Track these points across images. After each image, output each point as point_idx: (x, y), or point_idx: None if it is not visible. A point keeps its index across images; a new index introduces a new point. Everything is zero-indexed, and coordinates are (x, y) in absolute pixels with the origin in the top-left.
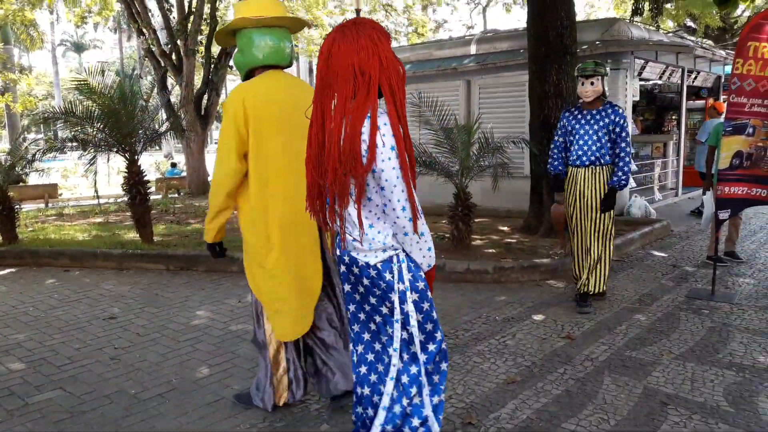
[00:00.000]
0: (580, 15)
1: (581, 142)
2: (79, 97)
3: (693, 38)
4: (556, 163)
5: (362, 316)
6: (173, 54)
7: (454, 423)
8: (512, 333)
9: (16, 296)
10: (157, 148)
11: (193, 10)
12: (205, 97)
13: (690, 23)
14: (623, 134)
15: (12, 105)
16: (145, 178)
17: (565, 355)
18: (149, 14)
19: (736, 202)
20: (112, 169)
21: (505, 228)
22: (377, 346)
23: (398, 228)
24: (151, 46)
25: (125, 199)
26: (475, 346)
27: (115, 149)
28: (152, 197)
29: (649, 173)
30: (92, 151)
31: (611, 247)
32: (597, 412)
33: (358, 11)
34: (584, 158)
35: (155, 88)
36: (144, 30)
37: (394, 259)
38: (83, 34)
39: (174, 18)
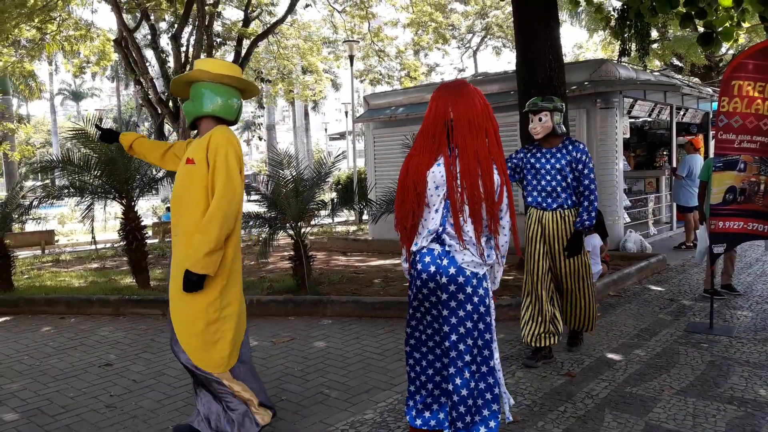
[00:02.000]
0: (569, 56)
1: (543, 182)
2: (77, 144)
3: (680, 76)
4: None
5: (453, 336)
6: (170, 101)
7: None
8: (511, 371)
9: (11, 345)
10: (154, 192)
11: (189, 58)
12: None
13: (676, 62)
14: (585, 171)
15: (10, 153)
16: (142, 223)
17: (566, 393)
18: (146, 63)
19: (733, 236)
20: (109, 215)
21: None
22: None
23: (498, 248)
24: (148, 94)
25: (122, 244)
26: None
27: (112, 196)
28: (149, 242)
29: (643, 208)
30: (89, 198)
31: (592, 284)
32: None
33: (351, 57)
34: (549, 200)
35: (152, 135)
36: (141, 79)
37: (488, 275)
38: (81, 83)
39: (170, 66)
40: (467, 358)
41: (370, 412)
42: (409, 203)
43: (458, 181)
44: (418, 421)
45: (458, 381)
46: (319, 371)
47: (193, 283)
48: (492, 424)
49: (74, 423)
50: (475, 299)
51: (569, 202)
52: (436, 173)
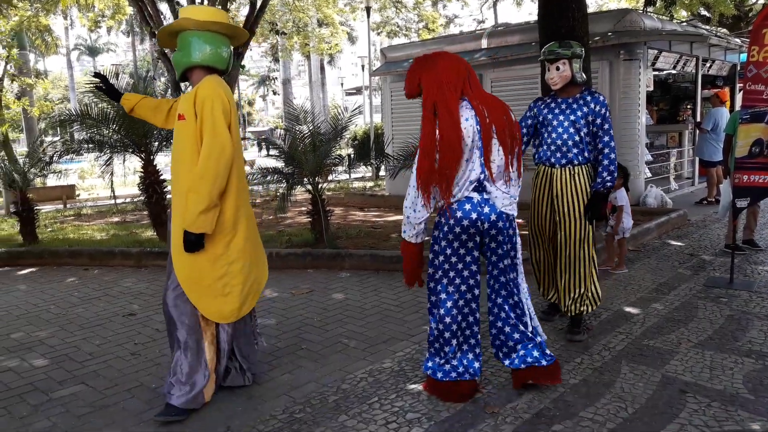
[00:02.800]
0: (592, 7)
1: (554, 135)
2: (95, 99)
3: (707, 27)
4: None
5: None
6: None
7: (473, 412)
8: None
9: (38, 295)
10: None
11: None
12: None
13: (704, 12)
14: (605, 126)
15: (29, 109)
16: (161, 177)
17: (582, 345)
18: (161, 17)
19: (757, 190)
20: (128, 170)
21: (520, 220)
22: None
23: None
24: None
25: (142, 198)
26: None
27: (131, 150)
28: (168, 196)
29: (664, 163)
30: (108, 152)
31: (594, 256)
32: (615, 401)
33: (368, 9)
34: (558, 155)
35: (169, 89)
36: (156, 32)
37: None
38: (97, 38)
39: None
40: (503, 292)
41: (388, 361)
42: (450, 157)
43: (493, 127)
44: (472, 369)
45: (512, 315)
46: (338, 322)
47: (192, 242)
48: (536, 353)
49: (101, 369)
50: (514, 239)
51: (580, 158)
52: (467, 126)
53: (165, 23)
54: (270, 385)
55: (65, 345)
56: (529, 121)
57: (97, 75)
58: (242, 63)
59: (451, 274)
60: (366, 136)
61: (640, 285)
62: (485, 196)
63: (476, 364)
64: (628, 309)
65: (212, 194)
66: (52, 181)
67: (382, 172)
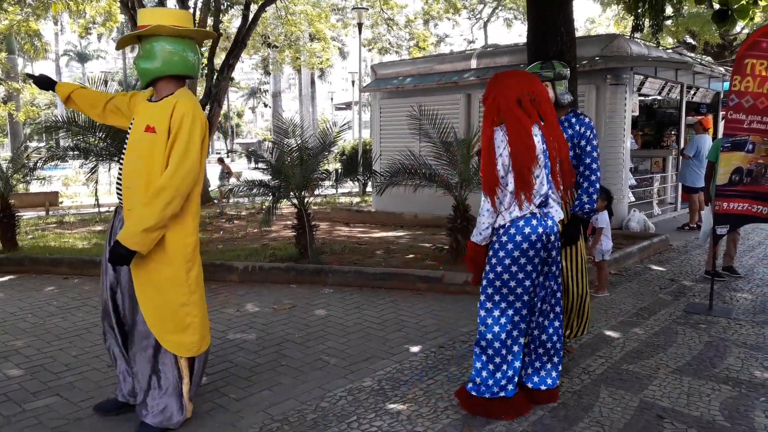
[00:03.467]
0: (581, 31)
1: None
2: None
3: (692, 55)
4: None
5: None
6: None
7: None
8: None
9: (15, 303)
10: None
11: (197, 21)
12: (207, 107)
13: (690, 40)
14: (588, 148)
15: (15, 114)
16: None
17: (563, 368)
18: None
19: (736, 218)
20: (113, 178)
21: None
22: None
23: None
24: None
25: None
26: (472, 357)
27: (116, 158)
28: None
29: (648, 188)
30: (94, 160)
31: (587, 280)
32: (593, 425)
33: (360, 25)
34: None
35: None
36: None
37: None
38: (87, 44)
39: None
40: (558, 308)
41: (368, 380)
42: (528, 172)
43: (551, 148)
44: (536, 380)
45: (551, 329)
46: (319, 338)
47: (121, 256)
48: (554, 374)
49: (77, 381)
50: (559, 256)
51: None
52: (536, 142)
53: None
54: (248, 401)
55: (41, 355)
56: None
57: (29, 75)
58: (232, 76)
59: (505, 291)
60: (354, 152)
61: (621, 309)
62: (545, 210)
63: (516, 379)
64: (608, 333)
65: (164, 213)
66: (35, 187)
67: (369, 188)
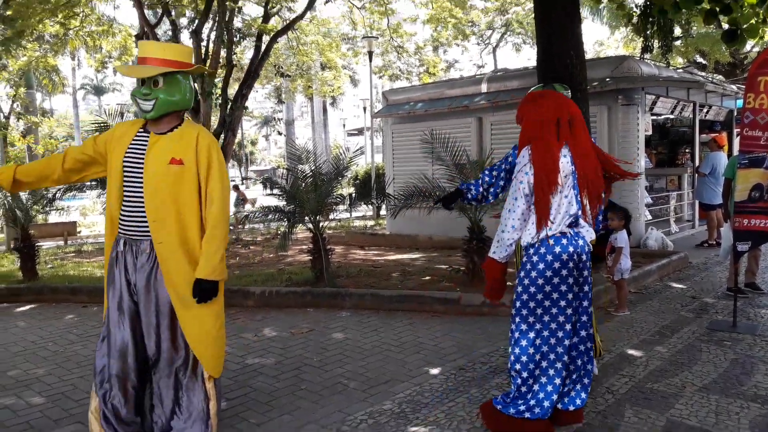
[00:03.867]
0: (590, 54)
1: None
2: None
3: (703, 74)
4: (473, 182)
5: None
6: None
7: None
8: None
9: (36, 332)
10: None
11: (210, 54)
12: (222, 137)
13: (700, 59)
14: None
15: (34, 146)
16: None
17: None
18: None
19: (758, 234)
20: None
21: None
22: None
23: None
24: None
25: None
26: (493, 379)
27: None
28: None
29: (664, 206)
30: None
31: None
32: None
33: (370, 53)
34: None
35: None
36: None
37: None
38: (103, 77)
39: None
40: (590, 328)
41: (388, 403)
42: (550, 192)
43: (583, 169)
44: (566, 400)
45: (582, 348)
46: (338, 362)
47: (209, 291)
48: (583, 395)
49: None
50: (590, 276)
51: None
52: (564, 163)
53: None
54: (268, 426)
55: (62, 383)
56: (504, 167)
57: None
58: (245, 105)
59: (540, 312)
60: (367, 176)
61: (642, 327)
62: (576, 230)
63: (550, 408)
64: (630, 351)
65: (226, 239)
66: (53, 217)
67: (383, 212)
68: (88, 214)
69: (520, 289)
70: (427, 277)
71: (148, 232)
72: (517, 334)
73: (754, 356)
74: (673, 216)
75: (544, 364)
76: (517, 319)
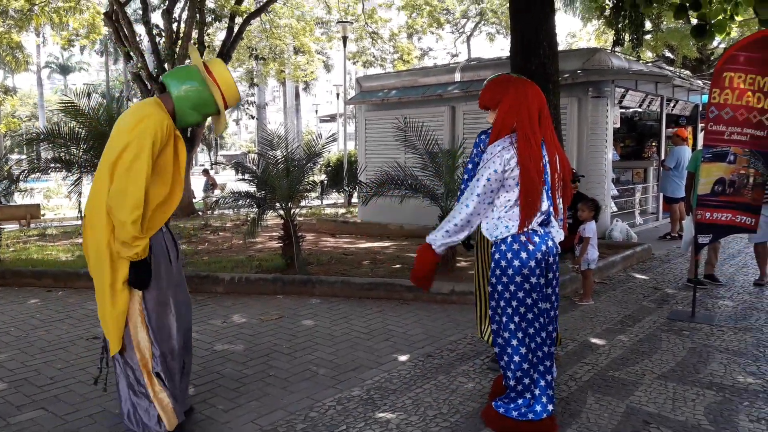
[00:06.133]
0: (562, 45)
1: None
2: (65, 118)
3: (671, 68)
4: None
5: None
6: (159, 77)
7: None
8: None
9: None
10: None
11: (182, 35)
12: None
13: (668, 54)
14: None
15: None
16: None
17: None
18: (137, 38)
19: (720, 228)
20: None
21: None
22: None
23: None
24: (140, 70)
25: None
26: (460, 366)
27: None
28: None
29: (630, 198)
30: (77, 172)
31: None
32: (581, 431)
33: (344, 38)
34: None
35: None
36: (132, 54)
37: None
38: (69, 56)
39: (162, 42)
40: (555, 325)
41: (356, 390)
42: (539, 188)
43: (552, 164)
44: (550, 407)
45: (553, 349)
46: (307, 349)
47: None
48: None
49: (62, 394)
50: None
51: None
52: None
53: (140, 44)
54: (236, 413)
55: (25, 368)
56: (477, 160)
57: None
58: None
59: (522, 310)
60: (339, 163)
61: (606, 317)
62: (546, 230)
63: (549, 404)
64: (594, 340)
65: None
66: (16, 199)
67: (354, 199)
68: (52, 196)
69: (500, 287)
70: (398, 265)
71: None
72: (506, 334)
73: (711, 345)
74: (638, 208)
75: (535, 361)
76: (504, 319)
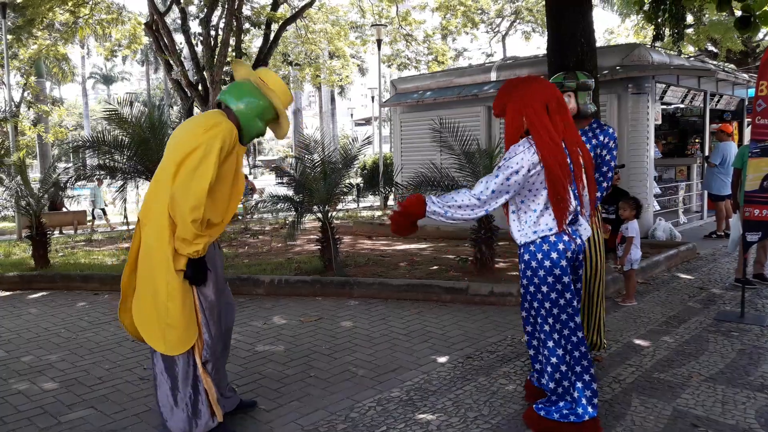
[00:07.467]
0: (600, 42)
1: None
2: (108, 126)
3: (715, 62)
4: None
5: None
6: (200, 85)
7: None
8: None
9: (49, 318)
10: None
11: (220, 42)
12: None
13: (711, 48)
14: (608, 157)
15: (44, 135)
16: None
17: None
18: (177, 47)
19: None
20: (140, 196)
21: None
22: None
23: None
24: (180, 78)
25: None
26: (501, 367)
27: (144, 176)
28: None
29: (673, 196)
30: (121, 178)
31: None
32: None
33: (379, 42)
34: None
35: (183, 118)
36: (172, 62)
37: None
38: (112, 66)
39: (201, 50)
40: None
41: (396, 390)
42: (565, 184)
43: (575, 160)
44: (591, 409)
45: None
46: (347, 350)
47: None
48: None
49: (110, 393)
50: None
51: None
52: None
53: (180, 53)
54: (278, 412)
55: (75, 369)
56: None
57: None
58: None
59: (556, 311)
60: (375, 166)
61: (650, 318)
62: (574, 227)
63: (590, 406)
64: (638, 341)
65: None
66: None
67: (390, 202)
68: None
69: (532, 289)
70: (435, 267)
71: None
72: (541, 336)
73: (762, 347)
74: (681, 207)
75: (572, 362)
76: (538, 320)
